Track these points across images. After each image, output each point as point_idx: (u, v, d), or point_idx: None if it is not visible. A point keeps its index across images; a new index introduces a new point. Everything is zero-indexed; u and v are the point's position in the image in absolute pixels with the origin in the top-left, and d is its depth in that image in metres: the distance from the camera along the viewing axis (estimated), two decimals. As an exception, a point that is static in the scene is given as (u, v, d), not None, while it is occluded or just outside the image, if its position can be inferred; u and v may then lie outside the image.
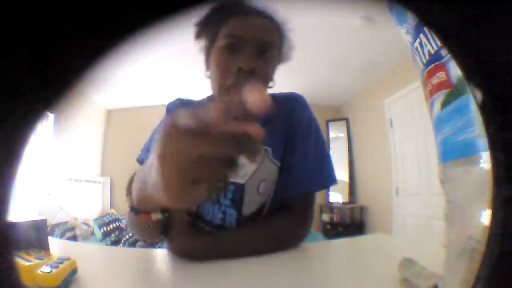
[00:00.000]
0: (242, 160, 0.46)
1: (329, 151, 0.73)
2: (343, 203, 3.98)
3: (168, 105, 0.78)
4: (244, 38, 0.60)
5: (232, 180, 0.66)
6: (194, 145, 0.24)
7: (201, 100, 0.78)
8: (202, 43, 0.68)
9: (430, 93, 0.30)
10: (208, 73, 0.67)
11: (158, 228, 0.57)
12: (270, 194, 0.70)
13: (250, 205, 0.68)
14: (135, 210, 0.46)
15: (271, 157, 0.68)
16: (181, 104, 0.76)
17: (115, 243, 3.12)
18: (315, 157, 0.70)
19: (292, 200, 0.68)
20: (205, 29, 0.66)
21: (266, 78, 0.63)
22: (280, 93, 0.76)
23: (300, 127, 0.71)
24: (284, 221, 0.66)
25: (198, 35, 0.68)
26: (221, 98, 0.59)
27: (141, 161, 0.70)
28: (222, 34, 0.62)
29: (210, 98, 0.74)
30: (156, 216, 0.47)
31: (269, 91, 0.67)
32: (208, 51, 0.67)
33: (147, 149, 0.71)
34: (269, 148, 0.68)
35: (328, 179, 0.71)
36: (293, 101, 0.75)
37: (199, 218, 0.69)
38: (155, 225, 0.54)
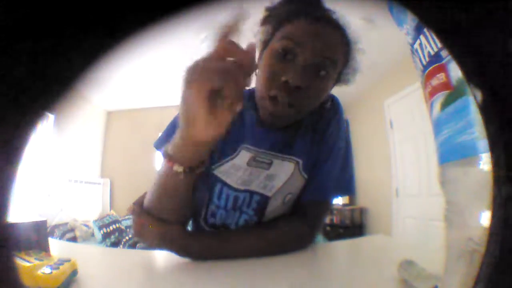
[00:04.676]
0: (275, 171, 0.58)
1: (352, 160, 0.70)
2: (343, 205, 3.98)
3: None
4: (303, 46, 0.52)
5: (258, 191, 0.63)
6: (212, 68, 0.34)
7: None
8: (262, 31, 0.59)
9: (430, 95, 0.30)
10: (257, 69, 0.58)
11: (189, 188, 0.53)
12: (291, 203, 0.68)
13: (271, 214, 0.66)
14: (168, 155, 0.47)
15: (301, 170, 0.64)
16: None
17: (115, 244, 3.11)
18: (339, 167, 0.67)
19: (307, 204, 0.67)
20: (271, 18, 0.57)
21: (313, 98, 0.56)
22: None
23: (327, 133, 0.66)
24: (293, 225, 0.65)
25: (263, 22, 0.58)
26: (261, 104, 0.58)
27: (157, 146, 0.65)
28: (282, 33, 0.54)
29: (251, 91, 0.65)
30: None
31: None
32: (264, 44, 0.58)
33: (166, 136, 0.63)
34: (300, 160, 0.64)
35: (347, 190, 0.70)
36: (324, 110, 0.68)
37: (214, 225, 0.67)
38: (186, 180, 0.50)
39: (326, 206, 0.70)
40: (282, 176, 0.63)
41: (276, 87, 0.53)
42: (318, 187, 0.66)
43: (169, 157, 0.47)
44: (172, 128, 0.62)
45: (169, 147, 0.47)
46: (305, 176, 0.65)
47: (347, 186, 0.70)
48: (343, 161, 0.68)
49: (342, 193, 0.71)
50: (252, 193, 0.64)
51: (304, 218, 0.66)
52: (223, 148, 0.62)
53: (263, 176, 0.63)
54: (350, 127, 4.20)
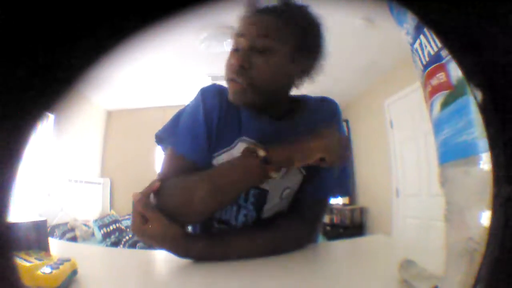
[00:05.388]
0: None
1: (351, 163, 0.74)
2: (343, 205, 3.98)
3: (202, 89, 0.69)
4: (242, 35, 0.61)
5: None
6: None
7: None
8: None
9: (430, 94, 0.30)
10: None
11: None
12: (289, 200, 0.69)
13: (270, 210, 0.67)
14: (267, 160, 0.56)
15: None
16: (216, 90, 0.67)
17: (115, 244, 3.11)
18: (344, 167, 0.69)
19: (307, 203, 0.68)
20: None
21: (262, 74, 0.60)
22: (314, 96, 0.74)
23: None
24: (293, 225, 0.65)
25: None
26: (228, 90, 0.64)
27: (160, 140, 0.69)
28: (234, 31, 0.63)
29: None
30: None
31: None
32: None
33: (171, 130, 0.67)
34: None
35: (347, 190, 0.73)
36: (326, 105, 0.73)
37: (213, 218, 0.67)
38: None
39: (325, 205, 0.71)
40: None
41: (229, 71, 0.61)
42: (318, 186, 0.67)
43: (265, 161, 0.55)
44: (177, 121, 0.67)
45: (269, 153, 0.56)
46: (303, 171, 0.67)
47: (346, 187, 0.72)
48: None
49: (341, 193, 0.72)
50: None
51: (304, 217, 0.66)
52: (220, 139, 0.64)
53: None
54: (350, 127, 4.21)
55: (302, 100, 0.71)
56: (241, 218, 0.66)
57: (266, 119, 0.66)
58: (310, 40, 0.64)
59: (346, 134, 0.66)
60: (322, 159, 0.58)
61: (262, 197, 0.66)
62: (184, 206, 0.57)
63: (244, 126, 0.65)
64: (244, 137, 0.64)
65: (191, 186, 0.57)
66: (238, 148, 0.63)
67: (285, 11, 0.61)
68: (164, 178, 0.59)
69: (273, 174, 0.56)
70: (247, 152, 0.57)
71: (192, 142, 0.63)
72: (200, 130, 0.63)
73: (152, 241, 0.55)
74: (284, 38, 0.61)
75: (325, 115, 0.70)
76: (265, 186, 0.64)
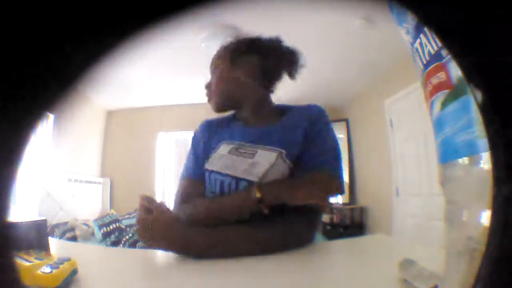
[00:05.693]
0: (258, 159, 0.71)
1: (341, 162, 0.77)
2: (343, 204, 3.98)
3: (195, 132, 0.90)
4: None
5: (244, 177, 0.70)
6: None
7: (224, 117, 0.89)
8: None
9: (430, 94, 0.30)
10: None
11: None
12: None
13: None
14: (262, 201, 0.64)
15: (284, 158, 0.71)
16: (204, 124, 0.89)
17: (115, 243, 3.11)
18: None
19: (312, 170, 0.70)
20: None
21: (217, 88, 0.81)
22: (300, 105, 0.83)
23: (314, 131, 0.74)
24: (292, 222, 0.67)
25: None
26: None
27: (188, 177, 0.81)
28: None
29: (231, 116, 0.88)
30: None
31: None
32: None
33: (195, 164, 0.82)
34: (283, 150, 0.71)
35: (336, 189, 0.73)
36: (311, 108, 0.79)
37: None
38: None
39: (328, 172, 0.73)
40: (266, 163, 0.70)
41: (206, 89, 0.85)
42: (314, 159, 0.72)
43: (260, 201, 0.64)
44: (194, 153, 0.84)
45: (263, 195, 0.64)
46: (290, 164, 0.71)
47: (339, 183, 0.74)
48: (334, 161, 0.74)
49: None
50: (238, 179, 0.70)
51: (298, 214, 0.68)
52: (208, 152, 0.80)
53: (247, 163, 0.71)
54: (350, 127, 4.21)
55: (287, 108, 0.82)
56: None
57: (251, 125, 0.80)
58: (243, 52, 0.80)
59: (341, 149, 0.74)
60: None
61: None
62: (185, 216, 0.69)
63: (231, 133, 0.81)
64: (226, 140, 0.78)
65: (193, 210, 0.70)
66: (221, 149, 0.77)
67: (228, 43, 0.82)
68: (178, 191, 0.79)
69: (265, 210, 0.64)
70: (244, 193, 0.67)
71: (186, 167, 0.83)
72: (190, 157, 0.83)
73: (154, 233, 0.60)
74: (223, 56, 0.81)
75: (308, 119, 0.76)
76: (253, 178, 0.70)
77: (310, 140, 0.73)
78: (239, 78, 0.79)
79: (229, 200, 0.70)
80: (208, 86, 0.84)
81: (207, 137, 0.83)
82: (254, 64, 0.79)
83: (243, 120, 0.83)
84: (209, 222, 0.65)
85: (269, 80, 0.82)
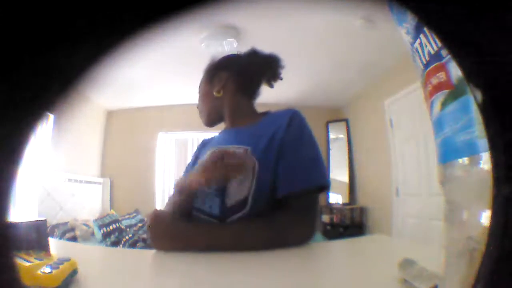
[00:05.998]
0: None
1: (320, 154, 0.78)
2: (343, 204, 3.99)
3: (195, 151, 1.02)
4: None
5: None
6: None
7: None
8: None
9: (430, 94, 0.30)
10: None
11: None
12: (252, 188, 0.71)
13: (231, 196, 0.72)
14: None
15: (250, 154, 0.74)
16: (202, 142, 1.02)
17: (115, 244, 3.11)
18: (305, 159, 0.74)
19: (286, 199, 0.70)
20: None
21: (200, 108, 0.94)
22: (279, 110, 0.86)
23: (290, 131, 0.76)
24: (276, 219, 0.68)
25: None
26: None
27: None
28: None
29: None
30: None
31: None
32: None
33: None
34: (248, 147, 0.75)
35: (318, 180, 0.73)
36: (286, 114, 0.81)
37: (195, 208, 0.78)
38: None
39: (307, 198, 0.73)
40: None
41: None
42: (285, 180, 0.71)
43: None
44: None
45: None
46: (255, 159, 0.73)
47: (316, 177, 0.74)
48: (308, 154, 0.76)
49: (312, 183, 0.73)
50: None
51: (288, 212, 0.69)
52: (197, 159, 0.90)
53: None
54: (350, 127, 4.22)
55: (266, 113, 0.88)
56: (208, 203, 0.75)
57: (233, 130, 0.88)
58: (216, 69, 0.91)
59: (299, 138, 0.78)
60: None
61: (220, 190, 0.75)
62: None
63: (216, 140, 0.92)
64: (213, 147, 0.85)
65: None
66: (206, 155, 0.80)
67: (206, 65, 0.93)
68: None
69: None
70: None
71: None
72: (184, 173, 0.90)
73: (152, 222, 0.66)
74: (202, 78, 0.94)
75: (283, 119, 0.79)
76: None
77: (282, 152, 0.74)
78: (213, 94, 0.89)
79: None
80: (198, 107, 0.96)
81: (199, 152, 0.96)
82: (225, 77, 0.88)
83: (226, 128, 0.93)
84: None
85: (243, 89, 0.89)
